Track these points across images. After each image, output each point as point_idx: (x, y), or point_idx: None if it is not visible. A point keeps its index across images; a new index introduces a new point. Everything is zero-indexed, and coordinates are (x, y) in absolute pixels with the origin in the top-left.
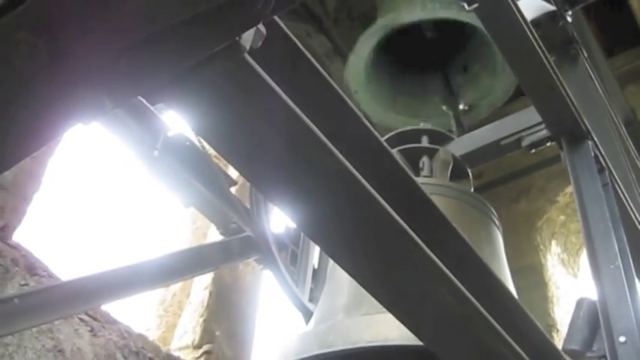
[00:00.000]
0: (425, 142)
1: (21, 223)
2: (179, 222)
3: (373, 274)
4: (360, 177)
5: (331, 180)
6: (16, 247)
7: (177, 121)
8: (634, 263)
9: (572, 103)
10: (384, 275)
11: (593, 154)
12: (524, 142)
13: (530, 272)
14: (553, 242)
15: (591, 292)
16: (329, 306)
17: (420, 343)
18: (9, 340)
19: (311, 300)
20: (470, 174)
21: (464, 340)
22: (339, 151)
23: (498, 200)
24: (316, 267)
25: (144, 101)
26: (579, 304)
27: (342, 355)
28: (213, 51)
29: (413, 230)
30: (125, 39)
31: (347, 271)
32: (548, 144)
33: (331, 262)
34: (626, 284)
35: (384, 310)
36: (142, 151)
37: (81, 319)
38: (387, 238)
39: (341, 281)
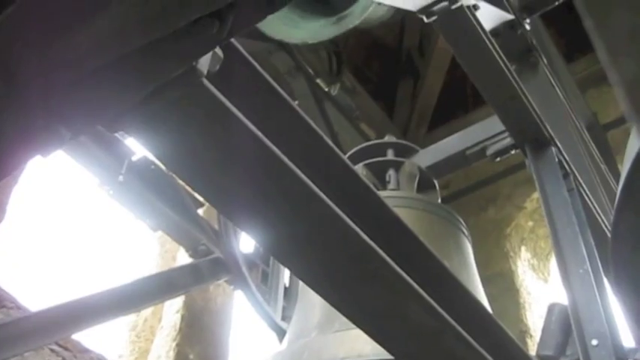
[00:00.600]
0: (390, 155)
1: None
2: (148, 246)
3: (342, 293)
4: (324, 197)
5: (296, 202)
6: None
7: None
8: (602, 266)
9: (534, 110)
10: (354, 294)
11: (557, 159)
12: (489, 151)
13: (501, 279)
14: (522, 248)
15: (563, 297)
16: (301, 324)
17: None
18: None
19: (283, 319)
20: (436, 185)
21: (436, 353)
22: (303, 172)
23: (466, 209)
24: (287, 285)
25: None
26: (551, 309)
27: None
28: (171, 77)
29: (380, 247)
30: (81, 68)
31: (316, 291)
32: (513, 152)
33: (302, 287)
34: (595, 287)
35: (354, 326)
36: (106, 177)
37: (52, 350)
38: (354, 256)
39: (312, 300)
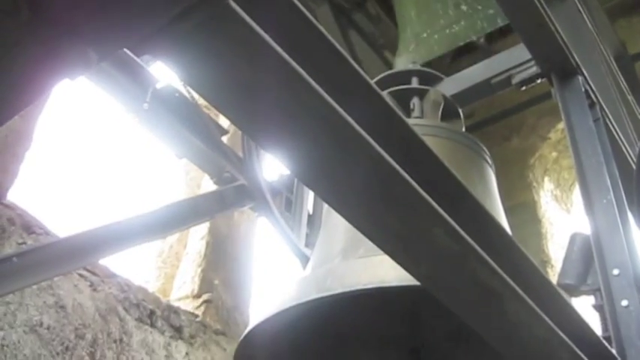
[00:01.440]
0: (415, 83)
1: (14, 182)
2: (173, 174)
3: (367, 216)
4: (351, 120)
5: (322, 125)
6: (11, 207)
7: (165, 73)
8: (626, 197)
9: (562, 38)
10: (378, 217)
11: (583, 89)
12: (515, 80)
13: (524, 209)
14: (546, 179)
15: (584, 228)
16: (325, 250)
17: (416, 283)
18: (10, 298)
19: (307, 245)
20: (461, 114)
21: (459, 278)
22: (330, 95)
23: (490, 139)
24: (311, 212)
25: (131, 54)
26: (573, 238)
27: (339, 298)
28: None
29: (406, 171)
30: None
31: (341, 214)
32: (539, 81)
33: (326, 207)
34: (618, 218)
35: (380, 252)
36: (132, 105)
37: (80, 275)
38: (380, 180)
39: (336, 225)
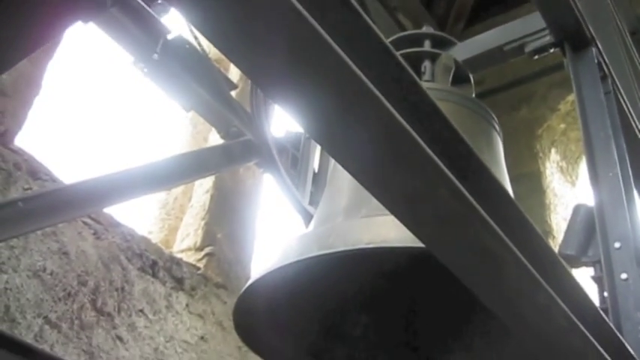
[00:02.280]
0: (427, 46)
1: (22, 127)
2: (180, 126)
3: (374, 174)
4: (363, 77)
5: (334, 79)
6: (18, 152)
7: (177, 25)
8: (632, 171)
9: (577, 8)
10: (385, 175)
11: (596, 61)
12: (528, 48)
13: (529, 179)
14: (552, 150)
15: (589, 200)
16: (328, 209)
17: (417, 244)
18: (14, 242)
19: (311, 203)
20: (472, 80)
21: (462, 240)
22: (341, 49)
23: (499, 107)
24: (316, 171)
25: (143, 3)
26: (576, 209)
27: (340, 256)
28: None
29: (415, 131)
30: None
31: (348, 170)
32: (552, 50)
33: (331, 166)
34: (623, 191)
35: (383, 212)
36: (141, 55)
37: (84, 223)
38: (388, 138)
39: (341, 185)
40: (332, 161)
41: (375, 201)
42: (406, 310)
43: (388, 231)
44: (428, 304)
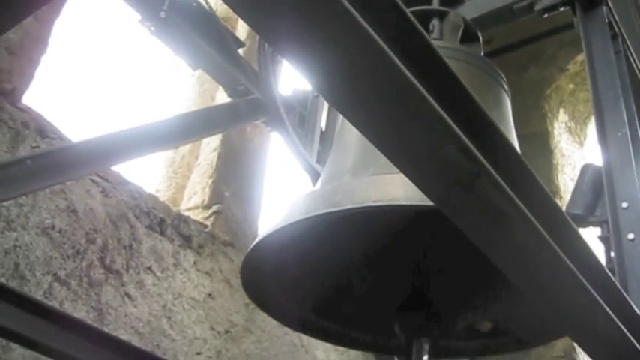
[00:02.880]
0: (435, 3)
1: (29, 86)
2: (187, 85)
3: (383, 131)
4: (372, 32)
5: (343, 35)
6: (26, 110)
7: None
8: None
9: None
10: (393, 131)
11: (607, 20)
12: (537, 7)
13: (537, 139)
14: (561, 110)
15: (596, 161)
16: (336, 167)
17: (425, 203)
18: (23, 200)
19: (318, 162)
20: (480, 38)
21: (469, 196)
22: (351, 5)
23: (507, 67)
24: (324, 129)
25: None
26: (584, 169)
27: (348, 214)
28: None
29: (424, 87)
30: None
31: (357, 127)
32: (562, 9)
33: (339, 124)
34: (632, 152)
35: (391, 171)
36: (148, 13)
37: (92, 181)
38: (397, 93)
39: (348, 143)
40: (340, 119)
41: (383, 159)
42: (413, 268)
43: (396, 189)
44: (436, 262)
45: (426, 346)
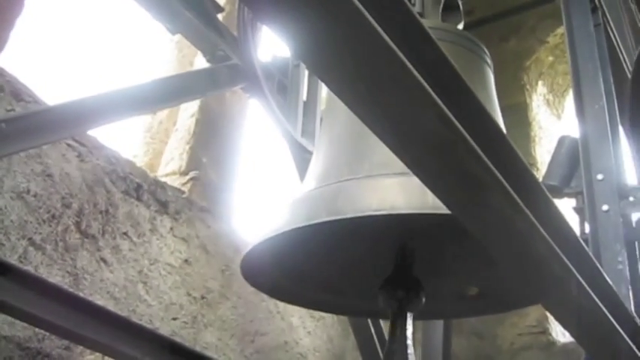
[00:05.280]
0: None
1: (3, 49)
2: (165, 50)
3: (364, 98)
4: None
5: (326, 1)
6: (0, 73)
7: None
8: (618, 105)
9: None
10: (374, 99)
11: None
12: None
13: (515, 111)
14: (540, 82)
15: (574, 134)
16: (329, 162)
17: (424, 211)
18: None
19: (303, 135)
20: (461, 9)
21: (445, 163)
22: None
23: (487, 38)
24: (305, 99)
25: None
26: (561, 141)
27: (346, 222)
28: None
29: (405, 56)
30: None
31: (339, 96)
32: None
33: (326, 108)
34: (608, 124)
35: (386, 170)
36: None
37: (68, 145)
38: (379, 61)
39: (341, 135)
40: (328, 100)
41: (377, 156)
42: (400, 245)
43: (395, 196)
44: (422, 238)
45: (410, 320)
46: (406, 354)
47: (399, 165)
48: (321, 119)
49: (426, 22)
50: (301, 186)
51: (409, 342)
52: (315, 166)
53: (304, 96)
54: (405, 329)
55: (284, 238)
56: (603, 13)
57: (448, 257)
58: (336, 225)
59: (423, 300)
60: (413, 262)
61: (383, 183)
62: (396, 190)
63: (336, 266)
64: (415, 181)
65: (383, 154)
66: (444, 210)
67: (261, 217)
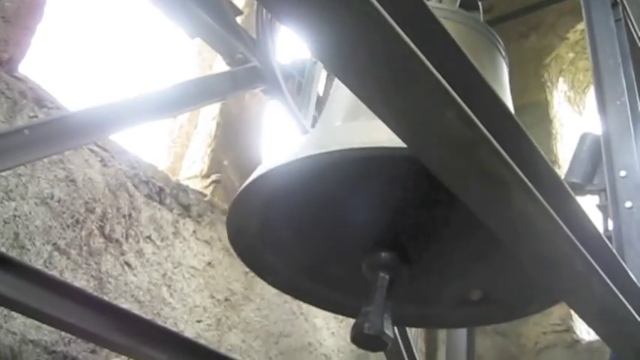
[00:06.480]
0: None
1: (25, 55)
2: (185, 54)
3: (382, 97)
4: None
5: (343, 0)
6: (23, 80)
7: None
8: None
9: None
10: (393, 98)
11: None
12: None
13: (536, 108)
14: (560, 79)
15: (595, 131)
16: (327, 119)
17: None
18: (22, 170)
19: (314, 126)
20: (480, 5)
21: (467, 163)
22: None
23: (507, 35)
24: (321, 95)
25: None
26: (583, 138)
27: (332, 157)
28: None
29: (423, 53)
30: None
31: (356, 94)
32: None
33: (334, 84)
34: (630, 120)
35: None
36: None
37: (91, 150)
38: (396, 59)
39: (339, 98)
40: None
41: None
42: (392, 213)
43: (381, 133)
44: (425, 225)
45: (386, 283)
46: (381, 318)
47: None
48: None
49: (442, 5)
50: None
51: (386, 305)
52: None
53: (320, 92)
54: (383, 293)
55: (268, 179)
56: (624, 8)
57: (449, 254)
58: (324, 161)
59: (409, 269)
60: (400, 231)
61: (370, 124)
62: (383, 130)
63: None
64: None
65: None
66: None
67: None
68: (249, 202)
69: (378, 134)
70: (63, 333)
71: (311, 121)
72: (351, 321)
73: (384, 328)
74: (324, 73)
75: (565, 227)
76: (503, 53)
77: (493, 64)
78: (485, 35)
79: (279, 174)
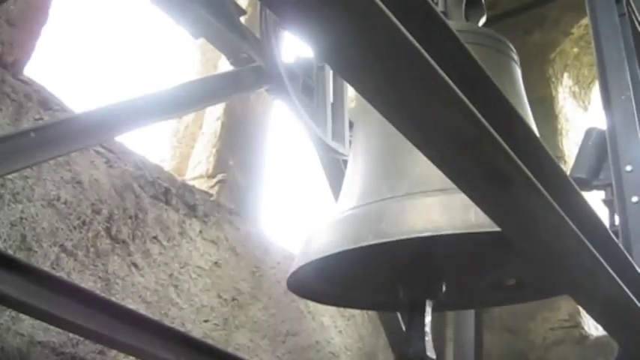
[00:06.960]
0: None
1: (30, 58)
2: (189, 54)
3: (390, 99)
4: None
5: (349, 3)
6: (28, 83)
7: None
8: None
9: None
10: (400, 98)
11: None
12: None
13: (541, 104)
14: (565, 75)
15: (601, 126)
16: (368, 179)
17: (469, 230)
18: (28, 172)
19: (334, 139)
20: (483, 4)
21: (472, 160)
22: None
23: (512, 32)
24: (332, 101)
25: None
26: (588, 133)
27: (392, 244)
28: None
29: (430, 55)
30: None
31: (364, 97)
32: None
33: (358, 118)
34: (636, 115)
35: (426, 188)
36: None
37: (96, 151)
38: (404, 62)
39: (376, 144)
40: (358, 106)
41: (416, 172)
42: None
43: (440, 216)
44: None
45: (429, 308)
46: (424, 341)
47: (438, 181)
48: (351, 123)
49: (453, 23)
50: (340, 201)
51: (427, 329)
52: (353, 180)
53: (331, 98)
54: (423, 317)
55: (331, 259)
56: (628, 3)
57: (483, 256)
58: (381, 246)
59: (443, 288)
60: (434, 251)
61: (424, 202)
62: (439, 210)
63: (373, 271)
64: (456, 199)
65: (422, 169)
66: (487, 228)
67: (296, 225)
68: (305, 279)
69: (435, 218)
70: (71, 334)
71: (330, 133)
72: (358, 320)
73: (426, 351)
74: (331, 76)
75: (571, 222)
76: (515, 58)
77: (506, 71)
78: (497, 47)
79: (338, 258)
